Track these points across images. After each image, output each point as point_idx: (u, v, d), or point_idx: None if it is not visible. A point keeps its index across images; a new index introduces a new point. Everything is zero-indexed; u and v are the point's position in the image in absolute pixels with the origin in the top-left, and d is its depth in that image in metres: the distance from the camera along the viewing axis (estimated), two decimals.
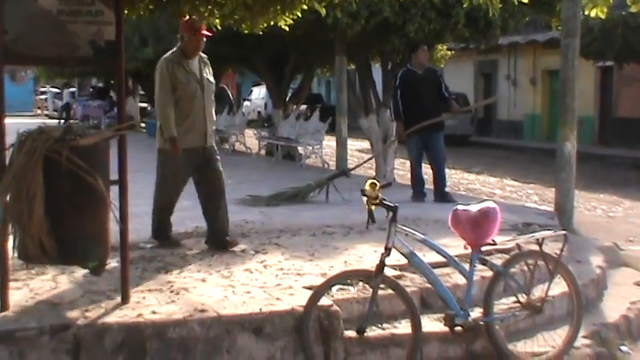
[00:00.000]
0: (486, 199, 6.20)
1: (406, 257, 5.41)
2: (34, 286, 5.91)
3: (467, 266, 5.48)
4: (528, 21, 17.96)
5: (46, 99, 50.45)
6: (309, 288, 5.87)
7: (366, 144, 21.12)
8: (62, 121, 35.07)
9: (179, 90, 7.04)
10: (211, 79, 7.35)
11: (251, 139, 21.62)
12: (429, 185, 11.17)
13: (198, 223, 8.62)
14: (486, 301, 5.46)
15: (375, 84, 16.07)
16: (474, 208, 5.46)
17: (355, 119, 16.77)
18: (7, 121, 5.24)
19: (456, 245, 5.86)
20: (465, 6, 5.96)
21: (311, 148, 16.01)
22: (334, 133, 15.58)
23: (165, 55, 7.27)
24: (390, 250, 5.28)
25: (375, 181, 5.21)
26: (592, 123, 27.25)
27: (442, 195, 10.47)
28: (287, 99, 20.83)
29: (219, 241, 7.36)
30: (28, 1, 5.20)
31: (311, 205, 10.38)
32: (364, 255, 7.08)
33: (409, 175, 11.55)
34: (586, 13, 14.92)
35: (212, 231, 7.44)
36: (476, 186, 17.52)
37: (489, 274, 5.81)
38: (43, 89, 54.13)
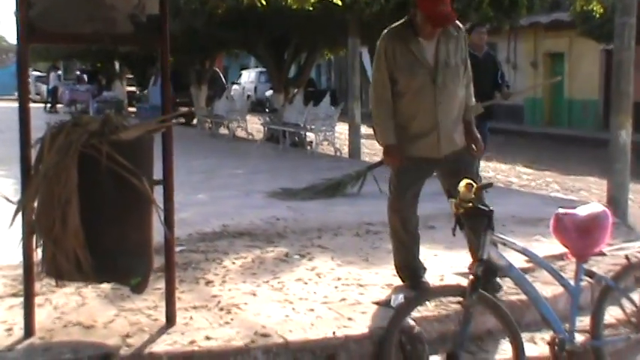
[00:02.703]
0: (591, 202, 5.36)
1: (503, 270, 4.60)
2: (58, 303, 5.07)
3: (571, 280, 4.68)
4: None
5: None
6: (379, 303, 5.09)
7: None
8: (49, 105, 33.94)
9: (400, 82, 5.12)
10: (457, 60, 5.13)
11: (252, 125, 20.73)
12: None
13: (224, 221, 7.83)
14: (595, 321, 4.65)
15: None
16: (580, 211, 4.65)
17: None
18: None
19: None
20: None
21: (322, 135, 15.14)
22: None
23: (391, 27, 5.23)
24: (484, 262, 4.45)
25: (471, 181, 4.37)
26: (597, 107, 26.54)
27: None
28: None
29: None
30: None
31: (342, 198, 9.53)
32: (425, 260, 6.26)
33: None
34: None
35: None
36: (489, 174, 16.72)
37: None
38: None
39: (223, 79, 29.10)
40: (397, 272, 5.59)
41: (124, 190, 4.18)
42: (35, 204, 4.14)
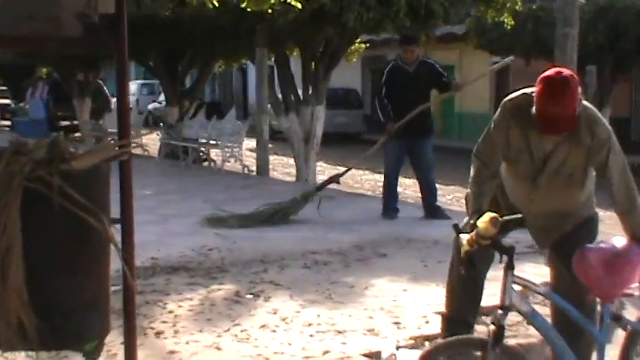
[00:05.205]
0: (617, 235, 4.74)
1: (526, 318, 3.94)
2: None
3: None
4: None
5: None
6: (370, 356, 4.36)
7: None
8: None
9: (508, 159, 4.07)
10: (577, 170, 3.95)
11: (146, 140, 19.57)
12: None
13: (150, 252, 6.93)
14: None
15: (293, 79, 14.53)
16: (606, 246, 4.05)
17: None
18: None
19: None
20: None
21: (229, 151, 14.24)
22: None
23: (516, 98, 3.93)
24: (507, 309, 3.78)
25: (496, 215, 3.67)
26: (487, 120, 26.57)
27: (433, 210, 9.04)
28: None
29: None
30: None
31: (273, 221, 8.71)
32: (397, 296, 5.59)
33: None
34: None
35: None
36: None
37: None
38: None
39: (107, 92, 27.76)
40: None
41: (77, 231, 3.33)
42: None
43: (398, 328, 4.88)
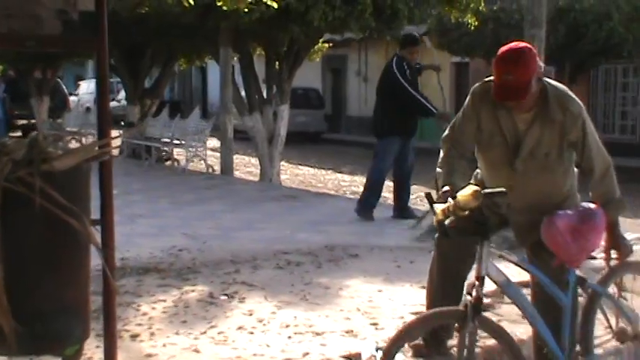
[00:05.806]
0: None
1: (501, 287, 3.94)
2: None
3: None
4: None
5: None
6: (350, 357, 4.34)
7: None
8: None
9: (480, 144, 4.08)
10: (551, 149, 3.91)
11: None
12: None
13: (119, 253, 6.79)
14: (586, 334, 4.13)
15: (257, 78, 14.46)
16: (573, 212, 4.07)
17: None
18: None
19: None
20: None
21: (193, 150, 14.14)
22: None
23: (486, 80, 3.95)
24: (483, 279, 3.74)
25: (478, 189, 3.63)
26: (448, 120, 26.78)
27: (405, 210, 9.03)
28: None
29: None
30: None
31: (235, 222, 8.67)
32: (372, 297, 5.57)
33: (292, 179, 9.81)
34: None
35: None
36: (360, 189, 16.27)
37: None
38: None
39: (65, 90, 27.43)
40: None
41: (58, 233, 3.26)
42: None
43: (376, 329, 4.86)
